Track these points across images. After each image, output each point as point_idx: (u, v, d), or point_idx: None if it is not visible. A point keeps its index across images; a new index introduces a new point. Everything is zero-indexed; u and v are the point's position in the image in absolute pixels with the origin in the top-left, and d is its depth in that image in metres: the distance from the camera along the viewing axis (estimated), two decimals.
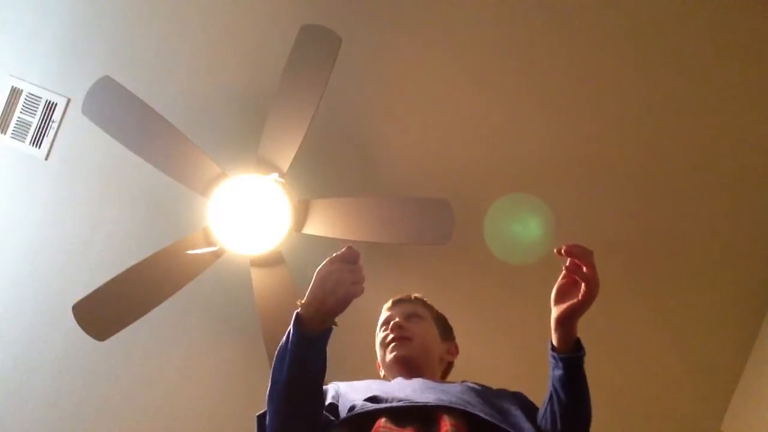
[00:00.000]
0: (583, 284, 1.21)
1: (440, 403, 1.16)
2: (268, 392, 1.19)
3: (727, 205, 2.41)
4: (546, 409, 1.25)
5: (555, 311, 1.23)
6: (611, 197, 2.42)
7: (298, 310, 1.15)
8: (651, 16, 2.34)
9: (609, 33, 2.36)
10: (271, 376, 1.18)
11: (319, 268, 1.17)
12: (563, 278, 1.24)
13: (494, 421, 1.16)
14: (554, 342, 1.24)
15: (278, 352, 1.16)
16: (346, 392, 1.27)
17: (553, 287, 1.25)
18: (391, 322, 1.46)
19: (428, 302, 1.57)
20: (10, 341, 2.48)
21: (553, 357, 1.23)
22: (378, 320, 1.56)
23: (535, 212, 2.38)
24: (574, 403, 1.25)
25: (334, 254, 1.17)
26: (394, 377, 1.41)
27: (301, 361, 1.13)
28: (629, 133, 2.41)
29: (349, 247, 1.17)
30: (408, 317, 1.48)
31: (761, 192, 2.41)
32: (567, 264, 1.20)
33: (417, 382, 1.29)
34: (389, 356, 1.42)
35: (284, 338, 1.15)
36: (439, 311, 1.57)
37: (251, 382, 2.45)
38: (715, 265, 2.44)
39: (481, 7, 2.37)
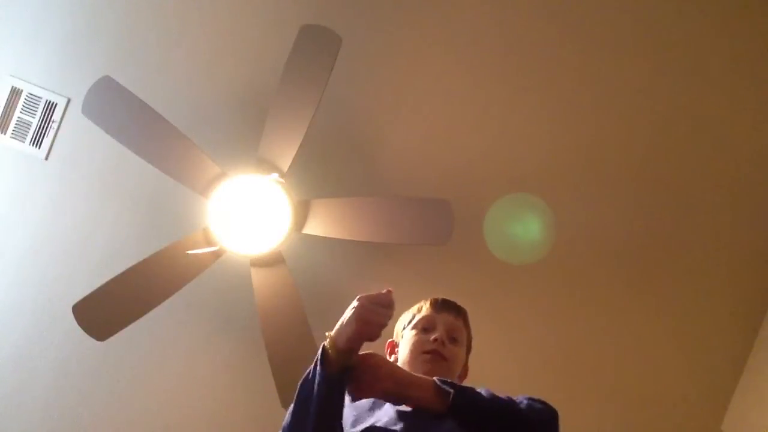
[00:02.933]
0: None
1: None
2: (287, 428, 1.17)
3: (728, 206, 2.41)
4: None
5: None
6: (611, 198, 2.42)
7: (325, 344, 1.15)
8: (652, 17, 2.34)
9: (610, 34, 2.37)
10: (292, 413, 1.17)
11: (354, 304, 1.16)
12: None
13: None
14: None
15: (301, 390, 1.15)
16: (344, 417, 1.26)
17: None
18: (436, 334, 1.44)
19: (468, 320, 1.55)
20: (11, 341, 2.48)
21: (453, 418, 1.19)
22: (412, 310, 1.53)
23: (535, 212, 2.38)
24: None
25: (372, 294, 1.17)
26: None
27: (328, 405, 1.13)
28: (630, 134, 2.41)
29: (389, 291, 1.18)
30: (451, 338, 1.46)
31: (761, 193, 2.41)
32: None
33: (414, 416, 1.27)
34: (421, 365, 1.41)
35: (308, 375, 1.15)
36: (470, 328, 1.55)
37: (251, 381, 2.45)
38: (715, 266, 2.44)
39: (482, 7, 2.37)
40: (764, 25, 2.33)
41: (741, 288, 2.44)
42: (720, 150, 2.40)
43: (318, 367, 1.13)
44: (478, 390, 1.22)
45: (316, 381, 1.13)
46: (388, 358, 1.50)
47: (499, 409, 1.19)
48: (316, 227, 2.06)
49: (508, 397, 1.25)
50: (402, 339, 1.50)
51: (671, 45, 2.36)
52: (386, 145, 2.45)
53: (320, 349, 1.15)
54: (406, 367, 1.44)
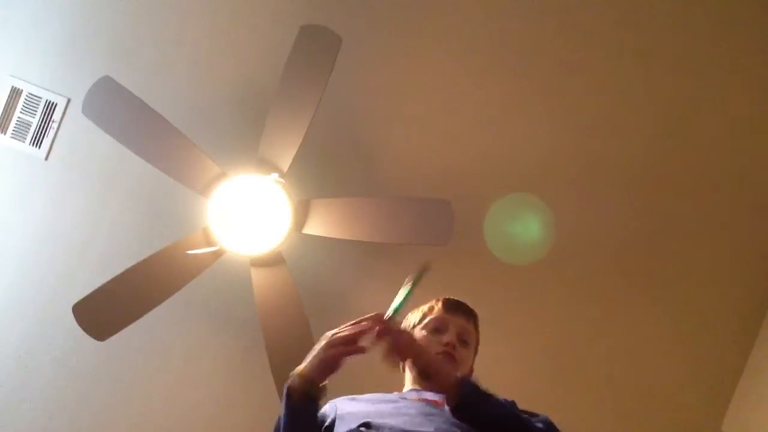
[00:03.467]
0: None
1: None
2: None
3: (728, 206, 2.41)
4: None
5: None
6: (611, 198, 2.42)
7: (293, 373, 1.24)
8: (652, 17, 2.34)
9: (610, 35, 2.36)
10: None
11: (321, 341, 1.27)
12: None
13: None
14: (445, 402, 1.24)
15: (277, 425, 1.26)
16: (343, 413, 1.29)
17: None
18: (447, 336, 1.44)
19: (478, 324, 1.56)
20: (11, 341, 2.48)
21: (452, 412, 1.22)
22: (423, 309, 1.54)
23: (535, 212, 2.38)
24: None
25: (339, 336, 1.26)
26: (414, 383, 1.43)
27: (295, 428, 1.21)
28: (629, 134, 2.41)
29: (364, 326, 1.25)
30: (462, 341, 1.46)
31: (761, 192, 2.41)
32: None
33: (418, 407, 1.29)
34: None
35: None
36: (479, 332, 1.56)
37: (251, 381, 2.45)
38: (715, 266, 2.44)
39: (482, 8, 2.37)
40: (764, 25, 2.33)
41: (741, 288, 2.44)
42: (720, 150, 2.40)
43: (284, 400, 1.22)
44: (499, 398, 1.23)
45: (283, 413, 1.23)
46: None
47: (505, 420, 1.20)
48: (316, 227, 2.06)
49: (529, 413, 1.26)
50: None
51: (671, 45, 2.35)
52: (386, 145, 2.45)
53: (288, 381, 1.24)
54: (412, 370, 1.45)
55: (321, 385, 1.24)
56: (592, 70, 2.39)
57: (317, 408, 1.27)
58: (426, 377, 1.30)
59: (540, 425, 1.25)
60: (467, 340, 1.48)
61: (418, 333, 1.47)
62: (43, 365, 2.48)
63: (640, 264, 2.44)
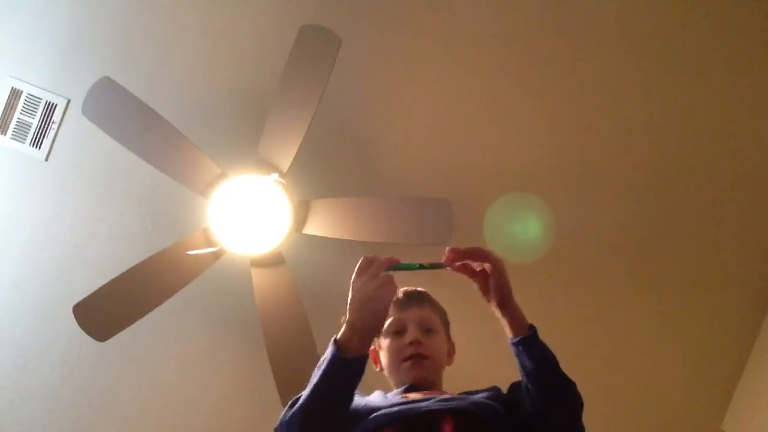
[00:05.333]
0: (486, 266, 1.26)
1: (444, 407, 1.15)
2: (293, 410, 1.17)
3: (728, 206, 2.41)
4: (527, 404, 1.23)
5: (493, 307, 1.27)
6: (611, 197, 2.42)
7: (337, 336, 1.16)
8: (652, 19, 2.34)
9: (610, 35, 2.36)
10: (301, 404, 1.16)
11: (352, 290, 1.19)
12: (474, 280, 1.28)
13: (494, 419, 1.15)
14: (510, 333, 1.24)
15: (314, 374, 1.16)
16: (354, 406, 1.24)
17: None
18: (408, 335, 1.40)
19: (434, 300, 1.52)
20: (11, 342, 2.48)
21: (514, 345, 1.22)
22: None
23: (534, 212, 2.38)
24: (550, 389, 1.22)
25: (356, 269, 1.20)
26: (398, 387, 1.39)
27: (331, 384, 1.13)
28: (629, 134, 2.41)
29: (363, 259, 1.20)
30: (425, 331, 1.42)
31: (761, 192, 2.41)
32: (458, 266, 1.26)
33: (420, 395, 1.28)
34: (404, 373, 1.38)
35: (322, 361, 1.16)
36: (440, 305, 1.53)
37: (251, 382, 2.46)
38: (715, 266, 2.44)
39: (482, 8, 2.37)
40: (764, 25, 2.33)
41: (741, 288, 2.44)
42: (720, 149, 2.40)
43: (331, 358, 1.13)
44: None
45: (325, 360, 1.14)
46: (374, 367, 1.48)
47: (553, 366, 1.22)
48: (316, 227, 2.06)
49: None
50: (380, 348, 1.47)
51: (670, 45, 2.36)
52: (386, 145, 2.45)
53: (333, 341, 1.16)
54: (392, 376, 1.43)
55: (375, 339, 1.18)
56: (591, 70, 2.39)
57: (362, 367, 1.16)
58: (502, 296, 1.26)
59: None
60: (430, 327, 1.44)
61: (384, 342, 1.44)
62: (43, 366, 2.48)
63: (640, 264, 2.44)
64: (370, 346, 1.19)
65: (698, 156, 2.41)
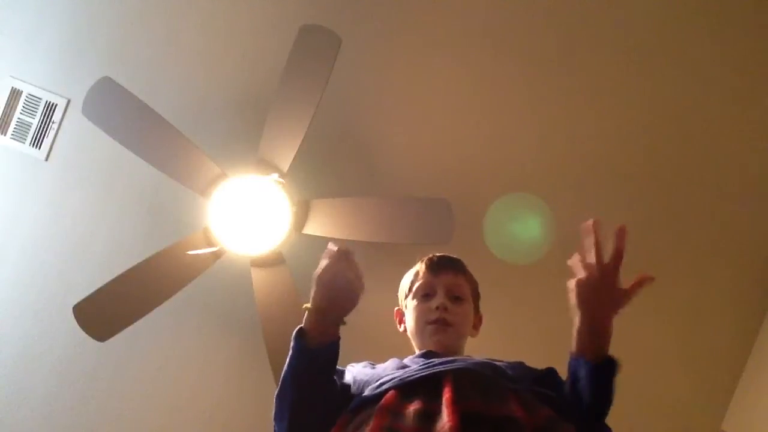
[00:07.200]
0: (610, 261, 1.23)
1: (447, 368, 1.14)
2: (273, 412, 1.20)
3: (728, 206, 2.41)
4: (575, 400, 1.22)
5: (583, 315, 1.23)
6: (611, 197, 2.42)
7: (301, 325, 1.16)
8: (651, 16, 2.34)
9: (609, 33, 2.37)
10: (276, 393, 1.19)
11: (316, 271, 1.17)
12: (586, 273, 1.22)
13: (498, 376, 1.14)
14: (583, 349, 1.21)
15: (284, 371, 1.18)
16: (360, 379, 1.25)
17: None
18: (435, 300, 1.40)
19: (468, 270, 1.51)
20: (11, 342, 2.48)
21: (587, 366, 1.18)
22: (410, 275, 1.49)
23: (534, 212, 2.38)
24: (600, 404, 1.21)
25: (326, 252, 1.18)
26: (419, 350, 1.39)
27: (304, 378, 1.14)
28: (629, 133, 2.41)
29: (340, 244, 1.18)
30: (453, 298, 1.42)
31: (761, 192, 2.41)
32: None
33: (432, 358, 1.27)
34: (427, 337, 1.38)
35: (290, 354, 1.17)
36: (473, 276, 1.51)
37: (252, 382, 2.45)
38: (715, 266, 2.44)
39: (481, 9, 2.37)
40: (763, 25, 2.33)
41: (741, 288, 2.44)
42: (720, 149, 2.40)
43: (294, 343, 1.15)
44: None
45: (292, 360, 1.17)
46: (398, 327, 1.49)
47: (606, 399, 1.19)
48: (316, 227, 2.06)
49: None
50: (406, 309, 1.47)
51: (669, 46, 2.36)
52: (386, 145, 2.45)
53: (295, 331, 1.17)
54: (415, 339, 1.43)
55: (343, 320, 1.17)
56: (591, 70, 2.39)
57: (336, 353, 1.17)
58: (592, 314, 1.22)
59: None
60: (459, 295, 1.43)
61: (410, 303, 1.44)
62: (44, 366, 2.48)
63: (639, 264, 2.43)
64: (336, 332, 1.18)
65: (698, 155, 2.41)
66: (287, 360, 1.18)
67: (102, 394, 2.49)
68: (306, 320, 1.18)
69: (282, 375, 1.19)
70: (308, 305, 1.18)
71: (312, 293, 1.17)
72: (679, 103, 2.38)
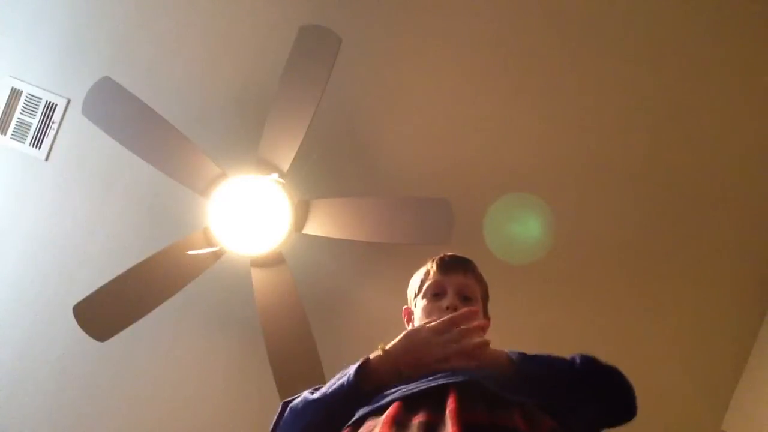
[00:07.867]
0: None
1: (451, 380, 1.14)
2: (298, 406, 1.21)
3: (727, 206, 2.41)
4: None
5: None
6: (611, 197, 2.42)
7: (371, 355, 1.18)
8: (651, 16, 2.34)
9: (608, 35, 2.37)
10: (291, 405, 1.20)
11: (414, 330, 1.22)
12: None
13: (507, 394, 1.15)
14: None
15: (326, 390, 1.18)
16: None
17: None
18: (446, 300, 1.41)
19: (478, 271, 1.52)
20: (11, 342, 2.48)
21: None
22: (420, 274, 1.50)
23: (534, 212, 2.38)
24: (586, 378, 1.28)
25: (434, 323, 1.22)
26: None
27: (334, 408, 1.15)
28: (629, 134, 2.41)
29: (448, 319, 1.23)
30: (463, 298, 1.42)
31: (761, 192, 2.41)
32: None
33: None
34: None
35: (337, 378, 1.18)
36: (483, 278, 1.53)
37: (251, 382, 2.45)
38: (715, 265, 2.44)
39: (481, 9, 2.37)
40: (762, 26, 2.33)
41: (741, 288, 2.44)
42: (719, 149, 2.40)
43: (354, 374, 1.17)
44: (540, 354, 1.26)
45: (343, 382, 1.17)
46: (405, 325, 1.50)
47: (558, 368, 1.23)
48: (316, 227, 2.06)
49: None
50: (415, 308, 1.47)
51: (669, 45, 2.36)
52: (386, 145, 2.45)
53: (360, 362, 1.19)
54: None
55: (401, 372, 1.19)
56: (591, 71, 2.39)
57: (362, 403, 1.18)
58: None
59: (578, 360, 1.28)
60: (469, 295, 1.43)
61: (420, 302, 1.44)
62: (44, 366, 2.48)
63: (640, 264, 2.44)
64: (387, 381, 1.20)
65: (698, 155, 2.41)
66: (331, 385, 1.19)
67: (102, 394, 2.49)
68: (375, 357, 1.20)
69: (313, 393, 1.20)
70: (383, 345, 1.20)
71: (394, 342, 1.20)
72: (681, 104, 2.38)
